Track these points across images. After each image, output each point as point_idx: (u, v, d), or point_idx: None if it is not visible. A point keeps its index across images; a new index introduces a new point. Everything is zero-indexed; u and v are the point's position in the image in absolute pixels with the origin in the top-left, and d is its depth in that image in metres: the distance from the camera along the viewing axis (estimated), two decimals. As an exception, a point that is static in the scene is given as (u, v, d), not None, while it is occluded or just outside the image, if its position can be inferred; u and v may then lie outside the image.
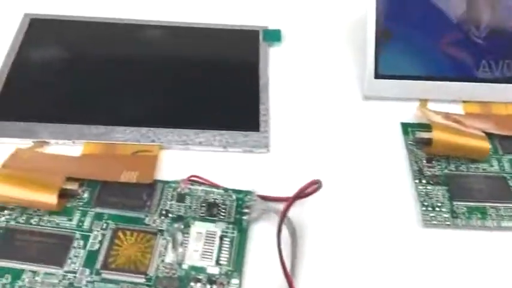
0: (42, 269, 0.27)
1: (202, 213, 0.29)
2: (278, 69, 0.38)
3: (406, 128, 0.34)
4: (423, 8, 0.36)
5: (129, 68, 0.37)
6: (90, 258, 0.27)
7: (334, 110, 0.36)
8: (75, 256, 0.27)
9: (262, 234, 0.29)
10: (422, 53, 0.36)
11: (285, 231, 0.28)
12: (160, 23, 0.40)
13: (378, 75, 0.36)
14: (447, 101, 0.36)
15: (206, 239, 0.28)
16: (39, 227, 0.29)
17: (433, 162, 0.32)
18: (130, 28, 0.40)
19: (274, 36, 0.40)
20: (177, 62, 0.38)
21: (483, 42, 0.36)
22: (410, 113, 0.35)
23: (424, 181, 0.31)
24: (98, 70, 0.37)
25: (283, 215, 0.26)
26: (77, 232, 0.28)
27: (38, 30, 0.39)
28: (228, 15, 0.41)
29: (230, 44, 0.40)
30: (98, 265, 0.27)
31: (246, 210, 0.29)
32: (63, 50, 0.38)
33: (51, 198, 0.28)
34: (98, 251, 0.28)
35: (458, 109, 0.36)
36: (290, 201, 0.27)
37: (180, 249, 0.28)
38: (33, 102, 0.35)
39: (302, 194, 0.26)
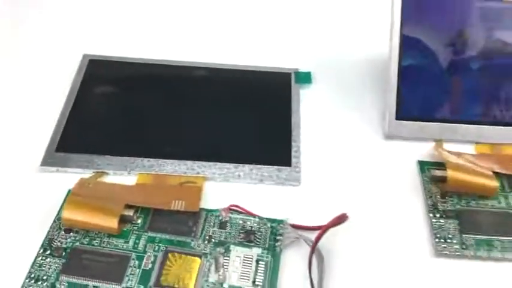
0: (103, 285, 0.31)
1: (240, 239, 0.34)
2: (308, 109, 0.42)
3: (423, 166, 0.38)
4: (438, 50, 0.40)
5: (176, 106, 0.42)
6: (144, 276, 0.32)
7: (358, 148, 0.40)
8: (132, 274, 0.32)
9: (293, 259, 0.33)
10: (440, 98, 0.40)
11: (313, 259, 0.32)
12: (203, 65, 0.45)
13: (398, 117, 0.40)
14: (461, 142, 0.40)
15: (244, 262, 0.33)
16: (100, 247, 0.33)
17: (446, 198, 0.36)
18: (177, 69, 0.45)
19: (305, 78, 0.44)
20: (218, 101, 0.43)
21: (494, 90, 0.40)
22: (427, 152, 0.39)
23: (437, 215, 0.35)
24: (149, 107, 0.42)
25: (314, 246, 0.31)
26: (132, 253, 0.33)
27: (96, 69, 0.45)
28: (262, 58, 0.46)
29: (265, 85, 0.44)
30: (151, 282, 0.31)
31: (279, 238, 0.34)
32: (118, 88, 0.43)
33: (112, 223, 0.33)
34: (151, 270, 0.32)
35: (470, 149, 0.39)
36: (320, 233, 0.31)
37: (222, 271, 0.32)
38: (93, 136, 0.40)
39: (330, 226, 0.30)
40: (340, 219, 0.31)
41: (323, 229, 0.30)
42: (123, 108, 0.42)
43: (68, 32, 0.49)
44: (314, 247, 0.31)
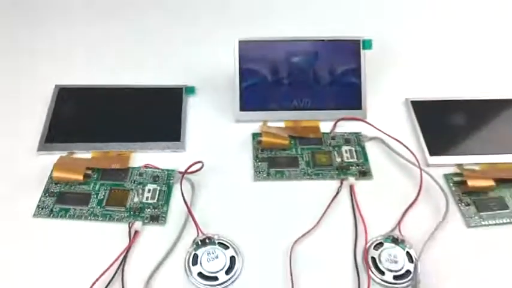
0: (78, 207, 0.60)
1: (151, 180, 0.63)
2: (192, 110, 0.72)
3: (254, 136, 0.68)
4: (262, 72, 0.70)
5: (114, 112, 0.71)
6: (100, 201, 0.61)
7: (213, 128, 0.70)
8: (92, 201, 0.61)
9: (178, 188, 0.62)
10: (265, 98, 0.70)
11: (188, 185, 0.62)
12: (129, 86, 0.74)
13: (241, 109, 0.70)
14: (277, 121, 0.70)
15: (152, 191, 0.62)
16: (74, 190, 0.62)
17: (263, 151, 0.66)
18: (114, 90, 0.73)
19: (191, 90, 0.74)
20: (139, 106, 0.72)
21: (294, 89, 0.70)
22: (258, 128, 0.69)
23: (257, 160, 0.65)
24: (99, 113, 0.71)
25: (182, 177, 0.61)
26: (92, 192, 0.62)
27: (64, 93, 0.73)
28: (164, 78, 0.75)
29: (167, 96, 0.73)
30: (103, 203, 0.61)
31: (171, 178, 0.63)
32: (80, 104, 0.72)
33: (79, 177, 0.62)
34: (103, 199, 0.61)
35: (282, 124, 0.70)
36: (184, 172, 0.61)
37: (140, 196, 0.61)
38: (66, 133, 0.68)
39: (191, 169, 0.61)
40: (198, 165, 0.61)
41: (186, 169, 0.61)
42: (83, 116, 0.71)
43: (45, 70, 0.77)
44: (182, 177, 0.61)
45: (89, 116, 0.71)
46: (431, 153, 0.66)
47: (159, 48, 0.82)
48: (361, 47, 0.70)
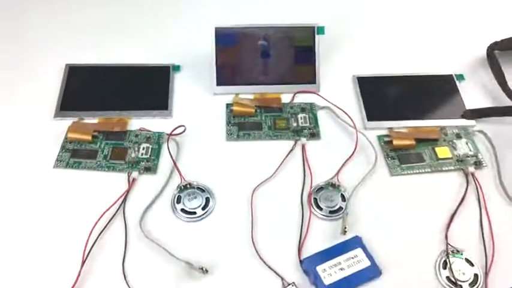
0: (88, 160, 0.77)
1: (145, 140, 0.80)
2: (178, 84, 0.88)
3: (227, 105, 0.85)
4: (235, 53, 0.86)
5: (114, 87, 0.87)
6: (105, 156, 0.77)
7: (194, 99, 0.86)
8: (99, 156, 0.78)
9: (166, 146, 0.79)
10: (235, 74, 0.86)
11: (174, 144, 0.79)
12: (126, 64, 0.90)
13: (217, 84, 0.86)
14: (248, 93, 0.86)
15: (146, 149, 0.79)
16: (85, 147, 0.79)
17: (235, 118, 0.83)
18: (116, 68, 0.90)
19: (177, 68, 0.90)
20: (133, 82, 0.88)
21: (261, 67, 0.86)
22: (231, 99, 0.86)
23: (230, 125, 0.82)
24: (102, 87, 0.87)
25: (168, 138, 0.77)
26: (99, 149, 0.79)
27: (74, 71, 0.89)
28: (154, 58, 0.91)
29: (157, 73, 0.89)
30: (108, 158, 0.77)
31: (161, 139, 0.80)
32: (87, 79, 0.88)
33: (88, 137, 0.79)
34: (107, 154, 0.78)
35: (251, 96, 0.86)
36: (169, 134, 0.77)
37: (137, 152, 0.78)
38: (77, 103, 0.84)
39: (176, 131, 0.77)
40: (181, 128, 0.77)
41: (171, 131, 0.77)
42: (90, 89, 0.87)
43: (55, 50, 0.93)
44: (169, 138, 0.78)
45: (95, 89, 0.87)
46: (369, 119, 0.82)
47: (152, 32, 0.98)
48: (316, 32, 0.86)
